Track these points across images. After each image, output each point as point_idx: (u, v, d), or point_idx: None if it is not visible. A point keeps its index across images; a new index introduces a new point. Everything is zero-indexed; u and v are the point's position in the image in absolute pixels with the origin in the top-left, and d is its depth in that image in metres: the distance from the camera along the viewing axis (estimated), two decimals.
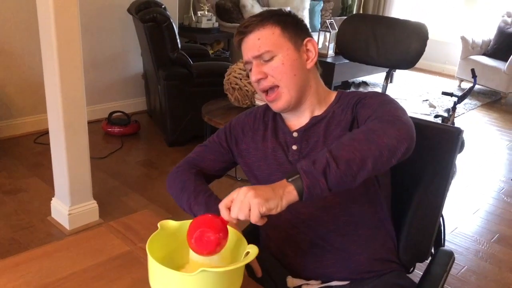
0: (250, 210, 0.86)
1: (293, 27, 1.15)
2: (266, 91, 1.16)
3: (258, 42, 1.12)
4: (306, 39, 1.17)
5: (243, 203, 0.86)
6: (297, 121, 1.20)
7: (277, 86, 1.13)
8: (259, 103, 2.84)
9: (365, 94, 1.16)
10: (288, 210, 0.97)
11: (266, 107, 1.29)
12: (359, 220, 1.16)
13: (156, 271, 0.84)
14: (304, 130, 1.17)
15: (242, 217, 0.87)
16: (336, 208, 1.13)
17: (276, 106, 1.16)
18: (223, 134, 1.29)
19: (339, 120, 1.15)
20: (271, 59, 1.12)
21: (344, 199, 1.14)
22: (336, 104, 1.18)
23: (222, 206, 0.90)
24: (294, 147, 1.18)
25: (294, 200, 0.89)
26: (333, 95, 1.21)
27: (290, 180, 0.89)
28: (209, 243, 0.86)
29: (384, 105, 1.08)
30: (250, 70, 1.16)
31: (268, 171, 1.19)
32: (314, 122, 1.17)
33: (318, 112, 1.19)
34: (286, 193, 0.89)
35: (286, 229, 1.18)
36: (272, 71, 1.12)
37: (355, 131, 0.99)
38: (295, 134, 1.19)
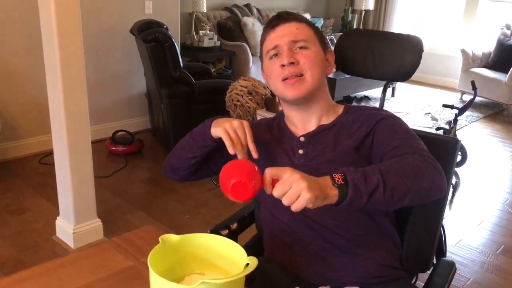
0: (297, 198, 0.88)
1: (321, 35, 1.25)
2: (285, 79, 1.18)
3: (296, 30, 1.19)
4: (328, 49, 1.27)
5: (294, 191, 0.88)
6: (303, 127, 1.25)
7: (301, 75, 1.18)
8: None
9: (381, 113, 1.20)
10: (294, 214, 0.99)
11: (272, 119, 1.34)
12: (365, 225, 1.18)
13: (158, 284, 0.85)
14: (311, 136, 1.22)
15: (286, 202, 0.89)
16: (343, 212, 1.15)
17: (294, 91, 1.18)
18: None
19: (350, 132, 1.19)
20: (305, 48, 1.19)
21: None
22: (344, 116, 1.23)
23: (268, 174, 0.90)
24: (301, 151, 1.21)
25: (331, 203, 0.92)
26: (341, 108, 1.27)
27: (337, 185, 0.91)
28: (246, 192, 0.91)
29: (413, 138, 1.13)
30: (274, 56, 1.20)
31: None
32: (322, 129, 1.22)
33: (325, 121, 1.23)
34: (330, 196, 0.91)
35: (293, 233, 1.20)
36: (305, 59, 1.17)
37: (403, 161, 1.01)
38: (302, 139, 1.23)
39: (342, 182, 0.92)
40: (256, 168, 0.93)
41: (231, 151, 1.09)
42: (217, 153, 1.30)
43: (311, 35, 1.21)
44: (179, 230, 2.64)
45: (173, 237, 0.98)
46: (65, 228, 2.45)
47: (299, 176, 0.88)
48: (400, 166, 0.99)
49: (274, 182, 0.92)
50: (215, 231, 1.37)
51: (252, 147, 1.09)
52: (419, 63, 1.47)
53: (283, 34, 1.19)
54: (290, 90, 1.18)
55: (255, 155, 1.09)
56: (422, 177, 0.99)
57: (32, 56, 3.45)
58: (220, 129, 1.10)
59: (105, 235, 2.52)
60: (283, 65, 1.17)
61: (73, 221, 2.39)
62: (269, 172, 0.91)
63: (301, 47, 1.18)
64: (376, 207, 0.96)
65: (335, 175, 0.93)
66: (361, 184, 0.92)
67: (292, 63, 1.16)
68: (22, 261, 2.31)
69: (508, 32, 5.77)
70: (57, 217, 2.52)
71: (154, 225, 2.68)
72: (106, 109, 4.05)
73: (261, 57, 1.30)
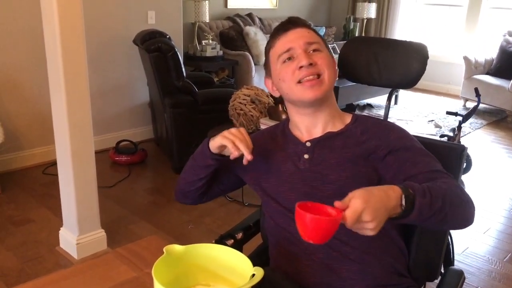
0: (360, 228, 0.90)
1: (327, 45, 1.27)
2: (300, 81, 1.18)
3: (308, 34, 1.21)
4: (333, 58, 1.28)
5: (361, 227, 0.90)
6: (308, 133, 1.24)
7: (319, 76, 1.18)
8: (263, 128, 2.86)
9: (393, 128, 1.21)
10: None
11: (274, 127, 1.34)
12: None
13: None
14: (318, 141, 1.22)
15: (352, 227, 0.90)
16: None
17: (314, 92, 1.17)
18: None
19: (358, 141, 1.19)
20: (319, 51, 1.20)
21: None
22: (353, 125, 1.23)
23: (349, 222, 0.88)
24: (306, 156, 1.21)
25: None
26: (348, 116, 1.27)
27: (404, 206, 0.94)
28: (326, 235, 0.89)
29: (434, 159, 1.15)
30: (287, 59, 1.20)
31: (276, 183, 1.22)
32: (329, 136, 1.22)
33: (332, 128, 1.23)
34: (391, 215, 0.93)
35: (298, 242, 1.18)
36: (321, 60, 1.19)
37: (453, 190, 1.04)
38: (308, 144, 1.22)
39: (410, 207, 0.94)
40: (325, 221, 0.87)
41: (235, 152, 1.09)
42: (222, 174, 1.32)
43: (321, 41, 1.24)
44: (183, 240, 2.63)
45: (177, 248, 0.97)
46: (69, 239, 2.44)
47: (371, 217, 0.88)
48: (452, 194, 1.02)
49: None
50: (220, 241, 1.36)
51: (247, 152, 1.10)
52: (424, 69, 1.46)
53: (296, 37, 1.20)
54: (309, 92, 1.17)
55: (248, 157, 1.10)
56: (464, 209, 1.04)
57: (35, 67, 3.46)
58: (218, 137, 1.13)
59: (109, 245, 2.51)
60: (301, 67, 1.17)
61: (76, 232, 2.38)
62: (349, 218, 0.88)
63: (314, 50, 1.20)
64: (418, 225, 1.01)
65: (404, 195, 0.94)
66: (424, 209, 0.95)
67: (311, 64, 1.17)
68: (26, 272, 2.30)
69: (511, 39, 5.76)
70: (61, 228, 2.51)
71: (158, 235, 2.67)
72: (109, 119, 4.05)
73: (266, 64, 1.29)
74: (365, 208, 0.87)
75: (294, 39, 1.20)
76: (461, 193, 1.05)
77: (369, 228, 0.89)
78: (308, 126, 1.24)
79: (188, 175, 1.27)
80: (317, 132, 1.23)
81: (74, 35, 2.12)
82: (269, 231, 1.31)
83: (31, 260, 2.40)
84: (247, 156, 1.09)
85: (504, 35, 5.82)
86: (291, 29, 1.22)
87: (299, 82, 1.18)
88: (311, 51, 1.19)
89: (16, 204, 2.98)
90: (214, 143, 1.14)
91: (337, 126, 1.23)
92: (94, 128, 2.31)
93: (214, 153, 1.16)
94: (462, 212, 1.04)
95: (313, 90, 1.17)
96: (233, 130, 1.12)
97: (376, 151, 1.16)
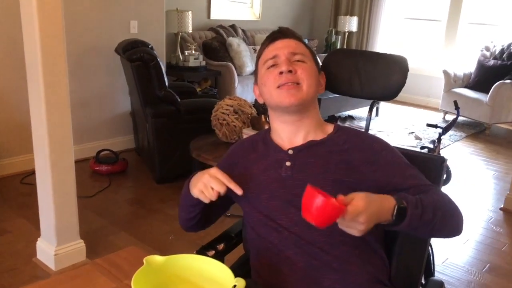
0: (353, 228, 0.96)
1: (316, 58, 1.31)
2: (280, 86, 1.21)
3: (294, 45, 1.26)
4: (321, 72, 1.33)
5: (351, 227, 0.96)
6: (290, 141, 1.26)
7: (298, 84, 1.21)
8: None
9: (375, 141, 1.25)
10: (279, 231, 1.04)
11: (255, 135, 1.36)
12: (353, 241, 1.16)
13: None
14: (300, 149, 1.23)
15: (345, 224, 0.97)
16: (328, 228, 1.14)
17: (290, 98, 1.20)
18: (225, 163, 1.33)
19: (341, 150, 1.21)
20: (302, 61, 1.24)
21: None
22: (335, 134, 1.26)
23: (349, 214, 0.95)
24: (288, 164, 1.22)
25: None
26: (331, 126, 1.29)
27: (395, 215, 1.01)
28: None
29: (418, 171, 1.22)
30: (272, 66, 1.24)
31: (257, 191, 1.23)
32: (312, 144, 1.24)
33: (313, 137, 1.25)
34: (382, 221, 1.01)
35: (280, 252, 1.18)
36: (302, 69, 1.22)
37: (446, 202, 1.12)
38: (290, 152, 1.24)
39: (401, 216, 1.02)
40: (332, 206, 0.93)
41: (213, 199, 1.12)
42: (215, 202, 1.31)
43: (308, 52, 1.27)
44: (164, 251, 2.60)
45: (157, 258, 0.95)
46: (46, 250, 2.39)
47: (365, 220, 0.95)
48: (442, 207, 1.10)
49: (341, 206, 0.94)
50: (201, 251, 1.35)
51: (232, 186, 1.10)
52: (404, 82, 1.49)
53: (282, 46, 1.25)
54: (286, 96, 1.20)
55: (239, 192, 1.11)
56: (453, 221, 1.11)
57: (14, 74, 3.41)
58: (195, 191, 1.13)
59: (88, 256, 2.47)
60: (281, 73, 1.21)
61: (54, 242, 2.34)
62: (350, 214, 0.94)
63: (298, 60, 1.23)
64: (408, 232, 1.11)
65: (397, 206, 1.01)
66: (415, 220, 1.03)
67: (290, 71, 1.20)
68: (1, 284, 2.24)
69: (488, 53, 5.90)
70: (38, 238, 2.46)
71: (138, 246, 2.63)
72: (90, 128, 4.00)
73: (255, 72, 1.33)
74: (364, 211, 0.94)
75: (280, 47, 1.25)
76: (450, 206, 1.12)
77: (359, 229, 0.95)
78: (289, 135, 1.26)
79: (184, 213, 1.30)
80: (298, 141, 1.25)
81: (55, 43, 2.10)
82: (250, 242, 1.30)
83: (7, 272, 2.34)
84: (237, 192, 1.11)
85: (482, 50, 5.95)
86: (279, 38, 1.27)
87: (279, 87, 1.21)
88: (294, 61, 1.23)
89: None
90: (194, 195, 1.15)
91: (318, 136, 1.25)
92: (74, 137, 2.28)
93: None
94: (450, 224, 1.11)
95: (290, 95, 1.20)
96: (205, 179, 1.10)
97: (361, 165, 1.18)
